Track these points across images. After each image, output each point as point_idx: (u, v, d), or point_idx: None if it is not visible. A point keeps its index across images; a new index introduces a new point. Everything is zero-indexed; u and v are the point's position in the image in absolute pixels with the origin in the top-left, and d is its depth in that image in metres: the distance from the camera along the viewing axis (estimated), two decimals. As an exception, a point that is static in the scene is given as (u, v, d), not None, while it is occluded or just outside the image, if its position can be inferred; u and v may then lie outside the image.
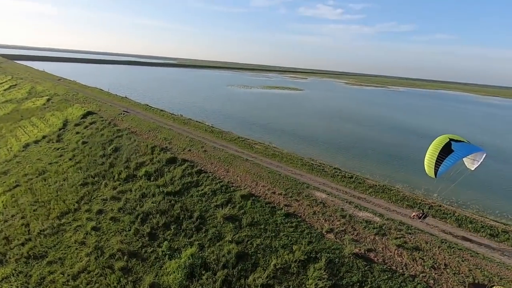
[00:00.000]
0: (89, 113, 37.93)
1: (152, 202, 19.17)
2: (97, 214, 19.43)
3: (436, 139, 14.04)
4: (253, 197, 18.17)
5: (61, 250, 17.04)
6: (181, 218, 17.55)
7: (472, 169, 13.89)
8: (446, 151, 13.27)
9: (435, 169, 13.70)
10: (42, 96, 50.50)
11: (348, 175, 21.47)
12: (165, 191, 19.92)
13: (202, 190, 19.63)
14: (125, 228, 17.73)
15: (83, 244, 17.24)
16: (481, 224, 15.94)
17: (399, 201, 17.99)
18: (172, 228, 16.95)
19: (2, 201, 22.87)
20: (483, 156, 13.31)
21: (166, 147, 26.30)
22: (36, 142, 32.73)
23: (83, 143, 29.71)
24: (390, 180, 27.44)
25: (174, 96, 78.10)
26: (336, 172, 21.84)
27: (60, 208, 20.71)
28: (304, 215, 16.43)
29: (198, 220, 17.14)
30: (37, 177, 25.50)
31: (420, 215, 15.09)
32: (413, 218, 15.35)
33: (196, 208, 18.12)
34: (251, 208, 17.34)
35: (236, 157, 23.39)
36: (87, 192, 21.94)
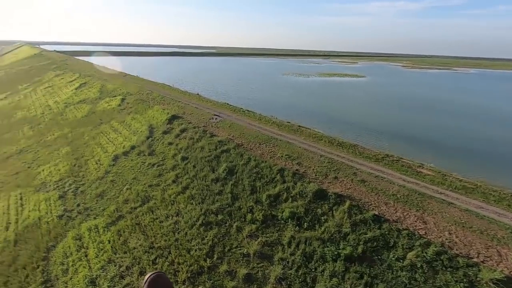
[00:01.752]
0: (174, 117, 33.11)
1: (330, 274, 12.79)
2: (245, 283, 13.66)
3: None
4: (520, 287, 10.83)
5: None
6: (400, 316, 10.91)
7: None
8: None
9: None
10: (115, 96, 47.54)
11: None
12: (341, 254, 13.42)
13: (403, 257, 12.75)
14: (305, 320, 11.62)
15: None
16: None
17: None
18: (393, 336, 10.39)
19: (109, 241, 18.40)
20: None
21: (298, 170, 19.85)
22: (125, 154, 28.61)
23: (183, 159, 24.58)
24: None
25: (238, 90, 72.45)
26: None
27: (188, 263, 15.40)
28: None
29: (438, 326, 10.34)
30: (141, 206, 20.80)
31: None
32: None
33: (415, 297, 11.33)
34: (532, 313, 10.06)
35: (421, 195, 16.05)
36: (216, 240, 16.38)
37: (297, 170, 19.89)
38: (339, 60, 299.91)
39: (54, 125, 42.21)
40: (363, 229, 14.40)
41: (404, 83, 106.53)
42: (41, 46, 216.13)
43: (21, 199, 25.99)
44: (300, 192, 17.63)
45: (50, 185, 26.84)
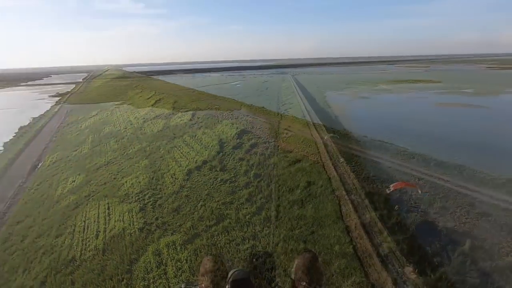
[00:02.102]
0: (243, 131, 32.97)
1: None
2: (342, 333, 11.52)
3: None
4: None
5: None
6: None
7: None
8: None
9: None
10: (187, 111, 50.35)
11: None
12: (472, 314, 10.36)
13: None
14: None
15: None
16: None
17: None
18: None
19: (186, 260, 18.14)
20: None
21: (389, 195, 17.00)
22: (198, 168, 29.15)
23: (256, 176, 23.72)
24: None
25: (301, 101, 70.78)
26: None
27: (270, 298, 13.93)
28: None
29: None
30: (216, 224, 20.33)
31: None
32: None
33: None
34: None
35: None
36: (299, 272, 14.62)
37: (388, 194, 17.07)
38: (407, 65, 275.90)
39: (134, 139, 46.23)
40: (501, 283, 11.02)
41: (497, 89, 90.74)
42: (124, 68, 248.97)
43: (108, 208, 28.19)
44: (399, 223, 14.84)
45: (132, 197, 28.63)
